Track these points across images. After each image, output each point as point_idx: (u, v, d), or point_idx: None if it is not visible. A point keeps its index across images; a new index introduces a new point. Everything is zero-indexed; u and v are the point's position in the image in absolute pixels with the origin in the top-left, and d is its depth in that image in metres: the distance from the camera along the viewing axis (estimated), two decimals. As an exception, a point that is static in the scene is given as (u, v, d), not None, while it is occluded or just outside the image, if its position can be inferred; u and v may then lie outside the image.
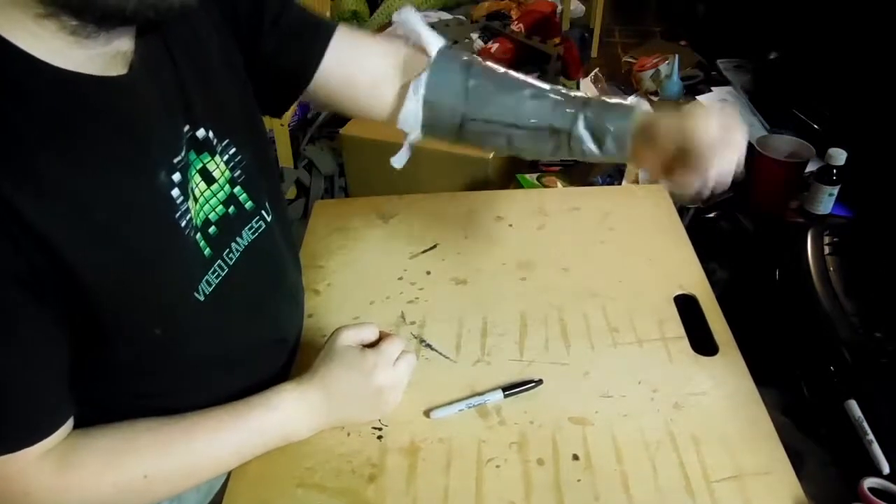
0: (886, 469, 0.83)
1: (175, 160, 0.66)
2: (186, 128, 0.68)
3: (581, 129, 0.81)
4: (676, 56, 1.98)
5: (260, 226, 0.79)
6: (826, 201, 1.42)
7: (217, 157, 0.72)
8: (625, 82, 2.40)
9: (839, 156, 1.37)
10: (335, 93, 0.84)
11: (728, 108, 0.77)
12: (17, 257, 0.54)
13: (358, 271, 1.05)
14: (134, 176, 0.62)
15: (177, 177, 0.66)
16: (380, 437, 0.79)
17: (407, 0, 3.20)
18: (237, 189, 0.75)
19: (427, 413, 0.82)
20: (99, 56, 0.58)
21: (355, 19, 3.20)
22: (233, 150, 0.75)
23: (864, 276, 1.13)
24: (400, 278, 1.03)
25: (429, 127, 0.85)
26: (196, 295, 0.69)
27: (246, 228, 0.77)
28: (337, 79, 0.83)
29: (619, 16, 3.98)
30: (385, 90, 0.84)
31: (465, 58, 0.84)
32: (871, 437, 0.87)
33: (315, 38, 0.81)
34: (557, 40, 2.84)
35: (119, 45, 0.60)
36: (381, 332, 0.83)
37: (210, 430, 0.71)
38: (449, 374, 0.87)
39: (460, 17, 3.12)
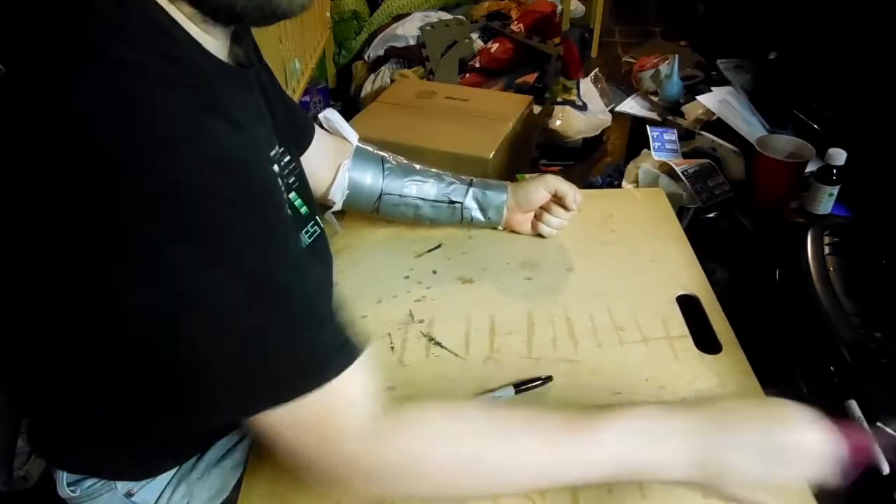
0: (886, 469, 0.84)
1: (272, 153, 0.70)
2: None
3: (470, 201, 1.06)
4: (676, 56, 1.99)
5: (315, 230, 0.82)
6: (826, 201, 1.43)
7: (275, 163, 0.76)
8: (625, 82, 2.41)
9: (839, 156, 1.38)
10: None
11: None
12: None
13: (364, 270, 1.06)
14: (266, 161, 0.66)
15: (276, 168, 0.70)
16: (390, 434, 0.80)
17: (407, 0, 3.21)
18: (293, 195, 0.79)
19: (438, 410, 0.82)
20: (231, 48, 0.63)
21: (355, 19, 3.21)
22: (287, 157, 0.78)
23: (864, 276, 1.14)
24: (406, 277, 1.04)
25: (350, 200, 1.03)
26: None
27: (303, 232, 0.80)
28: None
29: (619, 16, 3.99)
30: (321, 173, 1.00)
31: (377, 150, 1.06)
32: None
33: (295, 139, 0.90)
34: (557, 40, 2.86)
35: (229, 41, 0.64)
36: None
37: (548, 438, 0.59)
38: (459, 372, 0.88)
39: (460, 17, 3.13)
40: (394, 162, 1.06)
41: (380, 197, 1.04)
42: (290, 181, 0.79)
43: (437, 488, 0.60)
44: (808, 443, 0.57)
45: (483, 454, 0.58)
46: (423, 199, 1.06)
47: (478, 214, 1.07)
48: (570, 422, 0.59)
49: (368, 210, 1.06)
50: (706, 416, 0.59)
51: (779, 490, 0.58)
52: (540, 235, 1.11)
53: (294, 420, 0.55)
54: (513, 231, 1.12)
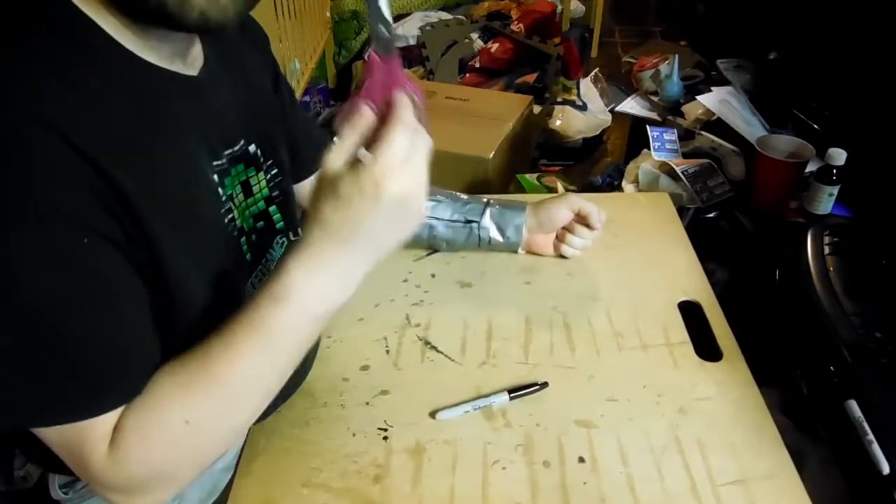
0: (886, 469, 0.84)
1: (214, 163, 0.69)
2: (242, 142, 0.73)
3: (487, 220, 1.04)
4: (676, 56, 1.99)
5: (283, 242, 0.84)
6: (826, 201, 1.42)
7: (261, 174, 0.77)
8: (625, 82, 2.41)
9: (839, 156, 1.37)
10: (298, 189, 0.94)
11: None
12: (116, 225, 0.57)
13: (362, 273, 1.06)
14: (195, 169, 0.66)
15: (216, 178, 0.69)
16: (385, 438, 0.80)
17: (407, 0, 3.20)
18: (272, 208, 0.80)
19: (433, 414, 0.82)
20: (163, 50, 0.63)
21: (355, 19, 3.20)
22: (275, 170, 0.80)
23: (864, 276, 1.14)
24: (405, 280, 1.04)
25: None
26: (246, 296, 0.72)
27: (274, 244, 0.82)
28: (304, 183, 0.95)
29: (619, 16, 3.99)
30: None
31: None
32: (871, 437, 0.87)
33: (312, 156, 0.91)
34: (557, 40, 2.85)
35: (182, 47, 0.65)
36: (365, 118, 0.61)
37: (228, 352, 0.62)
38: (454, 376, 0.87)
39: (460, 17, 3.13)
40: None
41: None
42: (275, 195, 0.80)
43: (203, 455, 0.64)
44: (397, 194, 0.59)
45: (190, 416, 0.61)
46: (437, 218, 1.03)
47: (496, 235, 1.04)
48: (236, 338, 0.62)
49: None
50: (326, 247, 0.62)
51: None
52: (562, 257, 1.07)
53: (56, 439, 0.59)
54: (534, 254, 1.09)
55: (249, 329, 0.62)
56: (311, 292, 0.62)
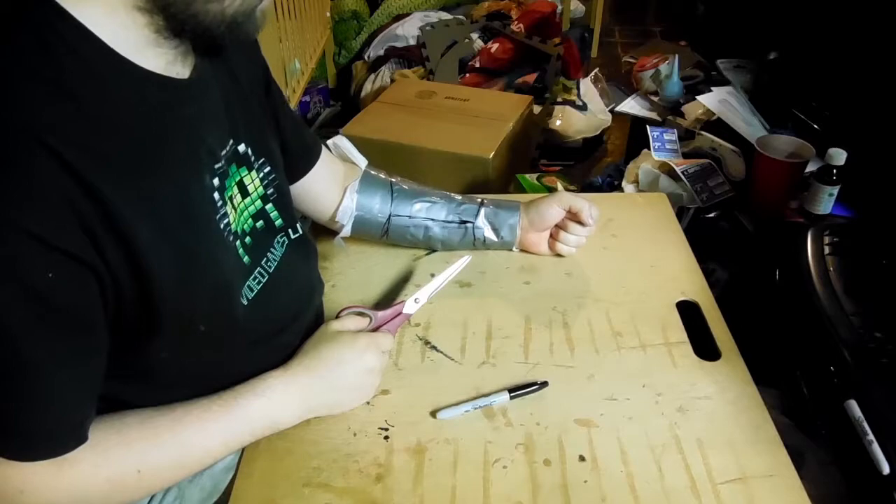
0: (887, 469, 0.84)
1: (216, 166, 0.69)
2: (231, 141, 0.73)
3: (482, 220, 1.05)
4: (676, 56, 1.99)
5: (284, 241, 0.84)
6: (826, 201, 1.43)
7: (253, 173, 0.77)
8: (625, 82, 2.41)
9: (839, 156, 1.37)
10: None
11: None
12: (91, 249, 0.56)
13: (362, 273, 1.06)
14: (188, 175, 0.66)
15: (216, 182, 0.69)
16: (386, 438, 0.80)
17: (407, 0, 3.21)
18: (269, 206, 0.80)
19: (433, 414, 0.82)
20: (165, 56, 0.63)
21: (355, 19, 3.21)
22: (267, 168, 0.80)
23: (864, 276, 1.14)
24: (405, 280, 1.04)
25: (359, 224, 1.02)
26: (241, 299, 0.73)
27: (275, 242, 0.82)
28: (296, 187, 0.96)
29: (619, 16, 3.99)
30: (329, 196, 1.01)
31: (387, 176, 1.05)
32: (871, 437, 0.88)
33: (302, 158, 0.96)
34: (557, 40, 2.85)
35: (187, 48, 0.65)
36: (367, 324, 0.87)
37: (198, 420, 0.71)
38: (454, 376, 0.87)
39: (460, 17, 3.14)
40: (403, 185, 1.04)
41: (388, 219, 1.03)
42: (269, 192, 0.80)
43: (135, 500, 0.71)
44: (372, 364, 0.82)
45: (143, 466, 0.68)
46: (433, 219, 1.04)
47: (490, 235, 1.06)
48: (210, 411, 0.73)
49: (378, 235, 1.05)
50: (305, 373, 0.80)
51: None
52: (559, 255, 1.08)
53: None
54: (528, 252, 1.09)
55: (224, 408, 0.73)
56: (277, 398, 0.76)
